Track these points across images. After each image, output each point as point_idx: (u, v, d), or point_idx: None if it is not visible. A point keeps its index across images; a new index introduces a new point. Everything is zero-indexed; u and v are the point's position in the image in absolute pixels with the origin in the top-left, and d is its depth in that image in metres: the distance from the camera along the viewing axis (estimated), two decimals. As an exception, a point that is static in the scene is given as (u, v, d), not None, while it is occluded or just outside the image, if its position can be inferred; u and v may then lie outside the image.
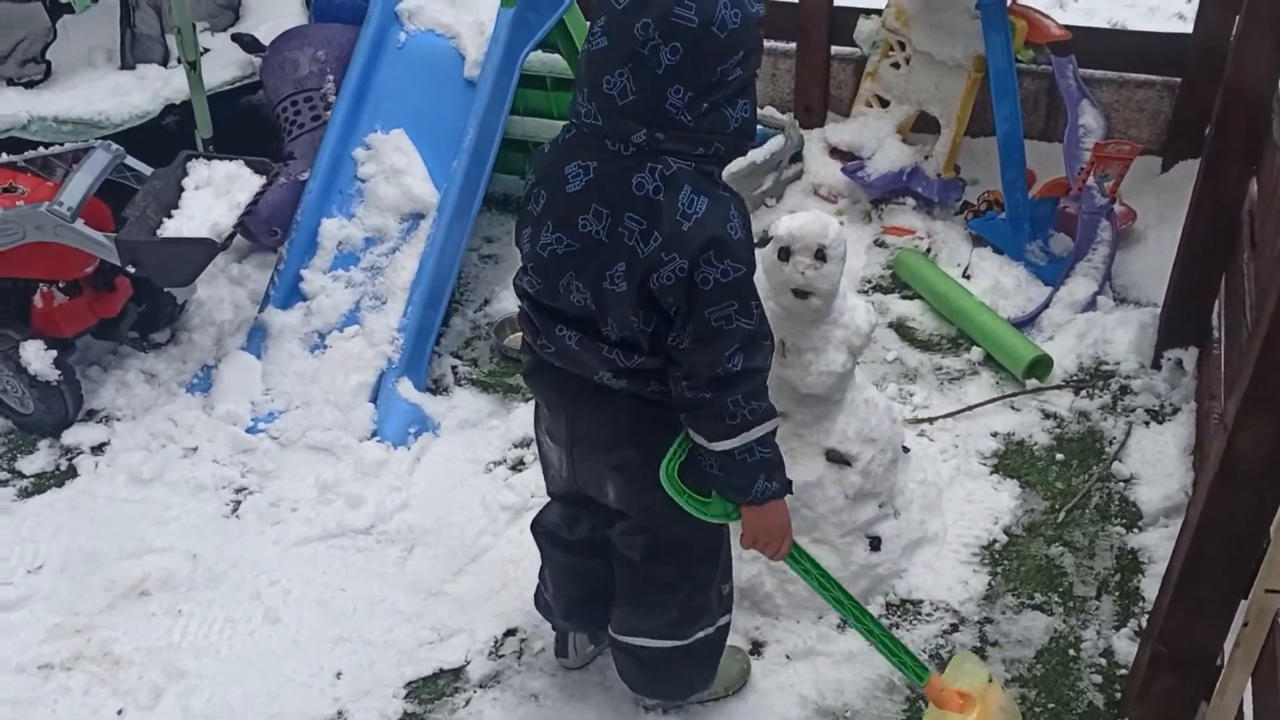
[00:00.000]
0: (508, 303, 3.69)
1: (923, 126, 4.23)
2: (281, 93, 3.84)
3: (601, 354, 1.90)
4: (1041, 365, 3.26)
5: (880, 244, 4.01)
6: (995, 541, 2.80)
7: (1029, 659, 2.49)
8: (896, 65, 4.21)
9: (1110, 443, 3.06)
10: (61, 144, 3.30)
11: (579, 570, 2.32)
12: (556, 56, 3.80)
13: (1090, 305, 3.49)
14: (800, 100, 4.51)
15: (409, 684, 2.48)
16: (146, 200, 3.10)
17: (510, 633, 2.59)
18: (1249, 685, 2.03)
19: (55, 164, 3.23)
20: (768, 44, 4.37)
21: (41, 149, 3.26)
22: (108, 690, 2.47)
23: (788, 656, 2.49)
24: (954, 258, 3.87)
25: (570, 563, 2.32)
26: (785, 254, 2.46)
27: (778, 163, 4.17)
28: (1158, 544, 2.72)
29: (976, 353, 3.42)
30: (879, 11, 4.23)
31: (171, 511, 2.93)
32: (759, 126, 4.08)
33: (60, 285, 3.14)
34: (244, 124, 4.07)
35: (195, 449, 3.11)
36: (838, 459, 2.61)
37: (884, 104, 4.30)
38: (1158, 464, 2.96)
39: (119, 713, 2.43)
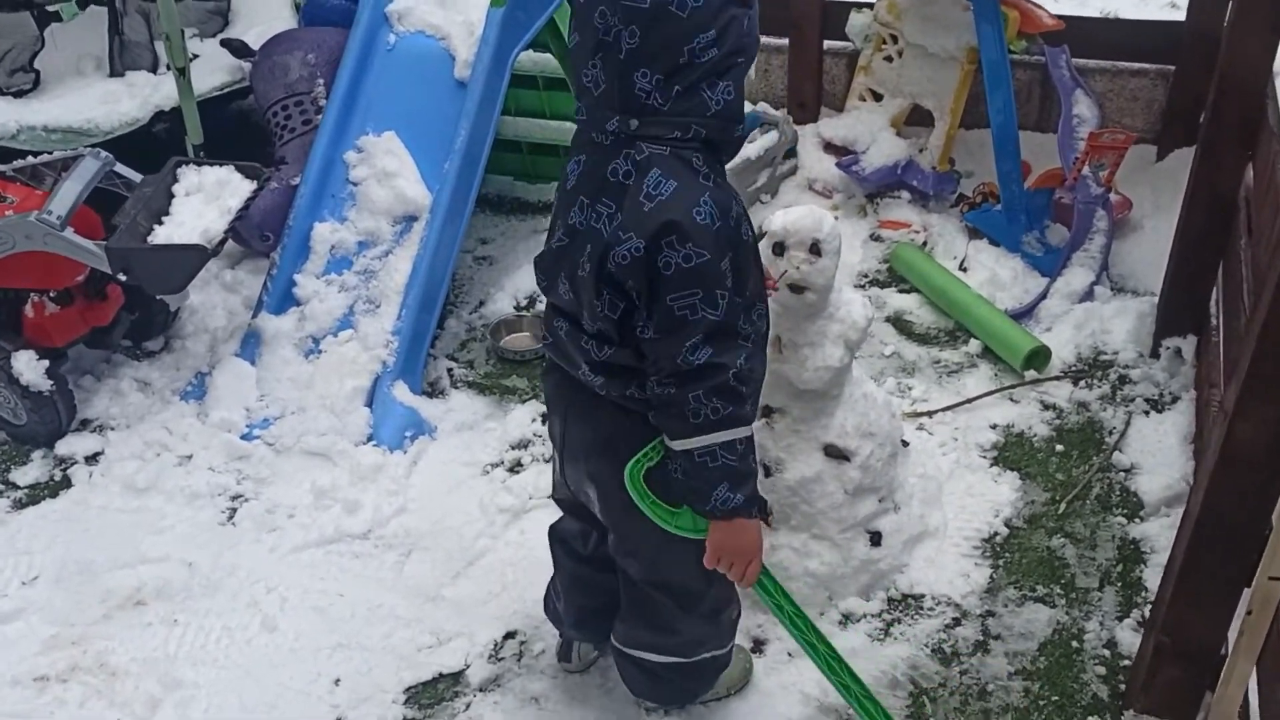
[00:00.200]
0: (503, 304, 3.67)
1: (917, 119, 4.21)
2: (272, 97, 3.82)
3: (580, 345, 1.90)
4: (1040, 356, 3.25)
5: (876, 238, 3.99)
6: (996, 534, 2.78)
7: (1032, 652, 2.48)
8: (889, 58, 4.20)
9: (1110, 433, 3.05)
10: (50, 152, 3.28)
11: (590, 582, 2.30)
12: (548, 56, 3.77)
13: (1088, 295, 3.47)
14: (794, 96, 4.49)
15: (408, 689, 2.47)
16: (136, 207, 3.08)
17: (510, 635, 2.57)
18: (1254, 674, 2.01)
19: (44, 172, 3.21)
20: (765, 40, 4.36)
21: (30, 158, 3.24)
22: (105, 702, 2.45)
23: (789, 654, 2.47)
24: (950, 250, 3.85)
25: (582, 574, 2.31)
26: (779, 249, 2.45)
27: (772, 159, 4.15)
28: (1159, 534, 2.70)
29: (975, 345, 3.40)
30: (870, 5, 4.21)
31: (167, 520, 2.91)
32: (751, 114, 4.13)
33: (51, 294, 3.12)
34: (234, 129, 4.05)
35: (190, 457, 3.09)
36: (836, 454, 2.59)
37: (877, 98, 4.28)
38: (1158, 453, 2.94)
39: (116, 724, 2.41)
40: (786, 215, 2.46)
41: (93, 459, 3.12)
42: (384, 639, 2.57)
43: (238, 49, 3.97)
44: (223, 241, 3.03)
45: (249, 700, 2.44)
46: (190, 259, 2.97)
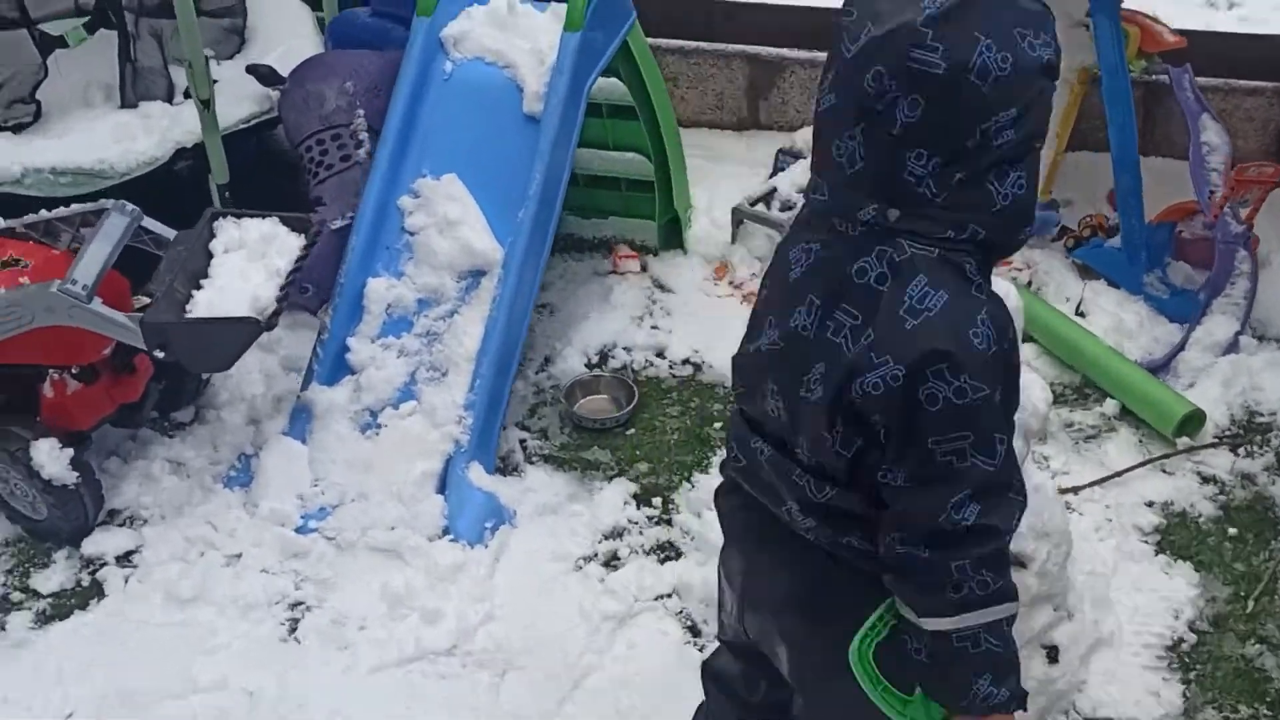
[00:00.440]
0: (572, 361, 3.28)
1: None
2: (306, 130, 3.41)
3: (791, 478, 1.53)
4: (1193, 421, 2.90)
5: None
6: (1181, 641, 2.43)
7: (1252, 792, 2.13)
8: (980, 77, 3.83)
9: (1285, 511, 2.71)
10: (67, 203, 2.86)
11: None
12: (614, 81, 3.39)
13: (1232, 346, 3.13)
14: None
15: None
16: (172, 270, 2.68)
17: (637, 781, 2.20)
18: None
19: (60, 228, 2.80)
20: (819, 54, 4.00)
21: (44, 211, 2.83)
22: None
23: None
24: (1062, 291, 3.50)
25: None
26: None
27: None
28: (1371, 638, 2.37)
29: (1111, 405, 3.05)
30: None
31: (219, 637, 2.52)
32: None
33: (73, 371, 2.71)
34: (260, 166, 3.64)
35: (239, 556, 2.70)
36: (1013, 562, 2.23)
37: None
38: (1346, 536, 2.60)
39: None
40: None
41: (126, 559, 2.72)
42: (489, 787, 2.20)
43: (265, 76, 3.55)
44: (277, 312, 2.63)
45: None
46: (240, 334, 2.57)
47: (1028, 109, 1.37)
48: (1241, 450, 2.88)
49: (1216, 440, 2.90)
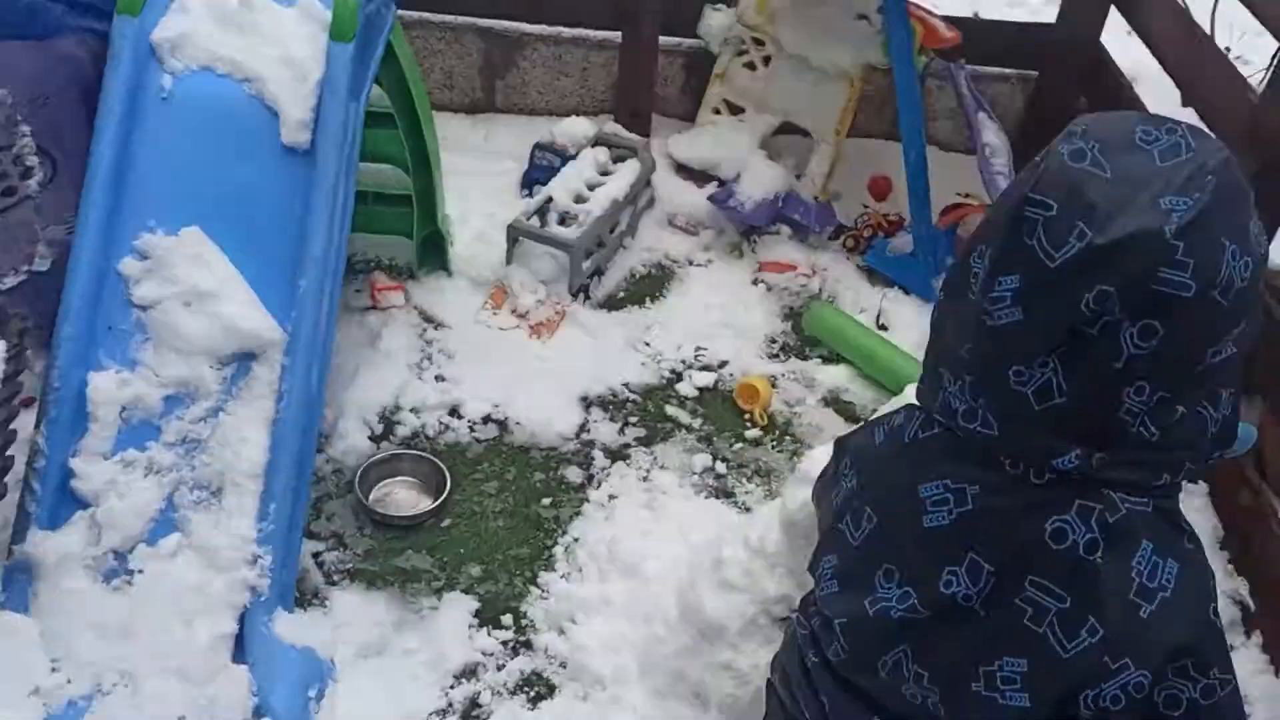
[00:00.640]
0: (354, 436, 2.71)
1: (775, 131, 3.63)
2: (-57, 155, 2.51)
3: None
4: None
5: (760, 284, 3.39)
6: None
7: None
8: (752, 66, 3.55)
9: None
10: None
11: None
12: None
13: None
14: (624, 103, 3.74)
15: None
16: None
17: None
18: None
19: None
20: (580, 33, 3.57)
21: None
22: None
23: None
24: (858, 300, 3.35)
25: None
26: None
27: (634, 195, 3.39)
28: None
29: (944, 435, 2.93)
30: (730, 1, 3.52)
31: None
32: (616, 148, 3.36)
33: None
34: None
35: (-39, 795, 1.95)
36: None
37: (734, 110, 3.64)
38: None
39: None
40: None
41: None
42: None
43: None
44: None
45: None
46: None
47: (1252, 316, 1.08)
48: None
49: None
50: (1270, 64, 3.01)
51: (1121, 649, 1.09)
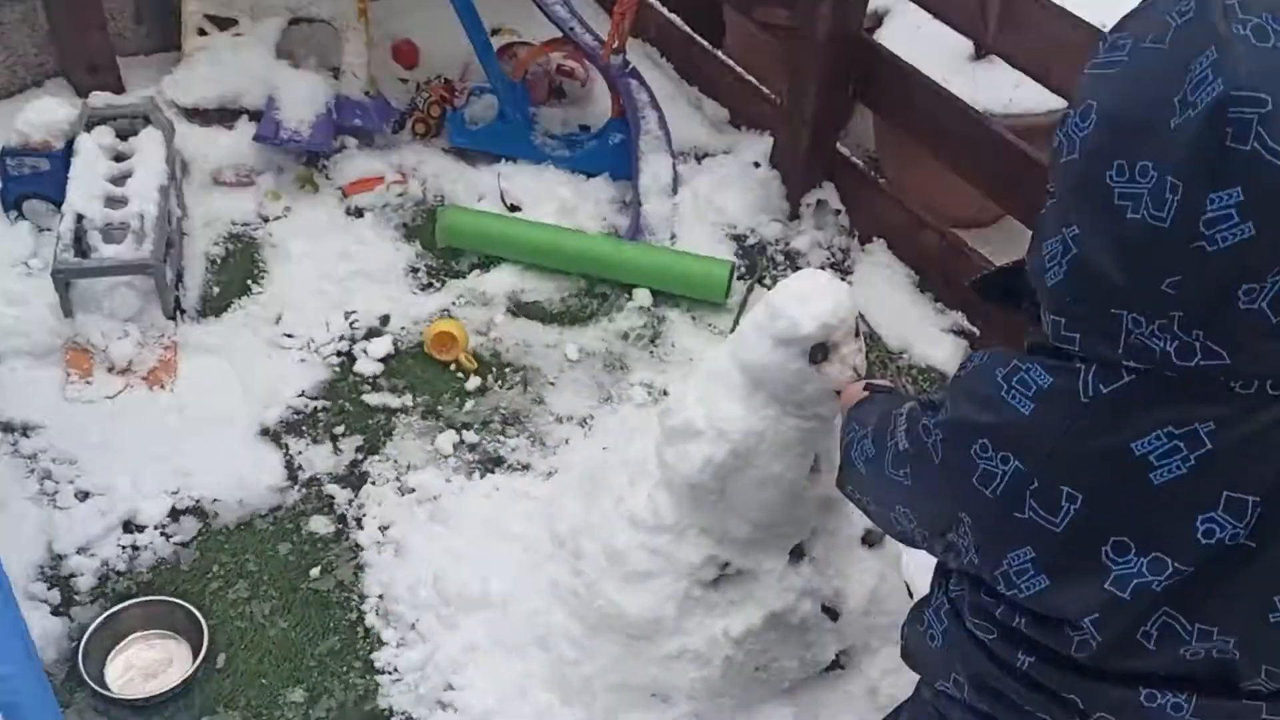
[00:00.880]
0: (37, 621, 2.00)
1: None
2: None
3: (1242, 704, 1.11)
4: (731, 274, 2.77)
5: (356, 211, 2.93)
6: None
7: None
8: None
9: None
10: None
11: None
12: None
13: (677, 179, 3.00)
14: (73, 59, 2.94)
15: None
16: None
17: None
18: None
19: None
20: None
21: None
22: None
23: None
24: (472, 188, 3.01)
25: None
26: (823, 353, 1.66)
27: (174, 170, 2.71)
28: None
29: (643, 297, 2.76)
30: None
31: None
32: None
33: None
34: None
35: None
36: (874, 540, 1.99)
37: (224, 25, 3.00)
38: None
39: None
40: (812, 304, 1.64)
41: None
42: None
43: None
44: None
45: None
46: None
47: None
48: (766, 279, 2.85)
49: (743, 278, 2.83)
50: None
51: None
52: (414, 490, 2.30)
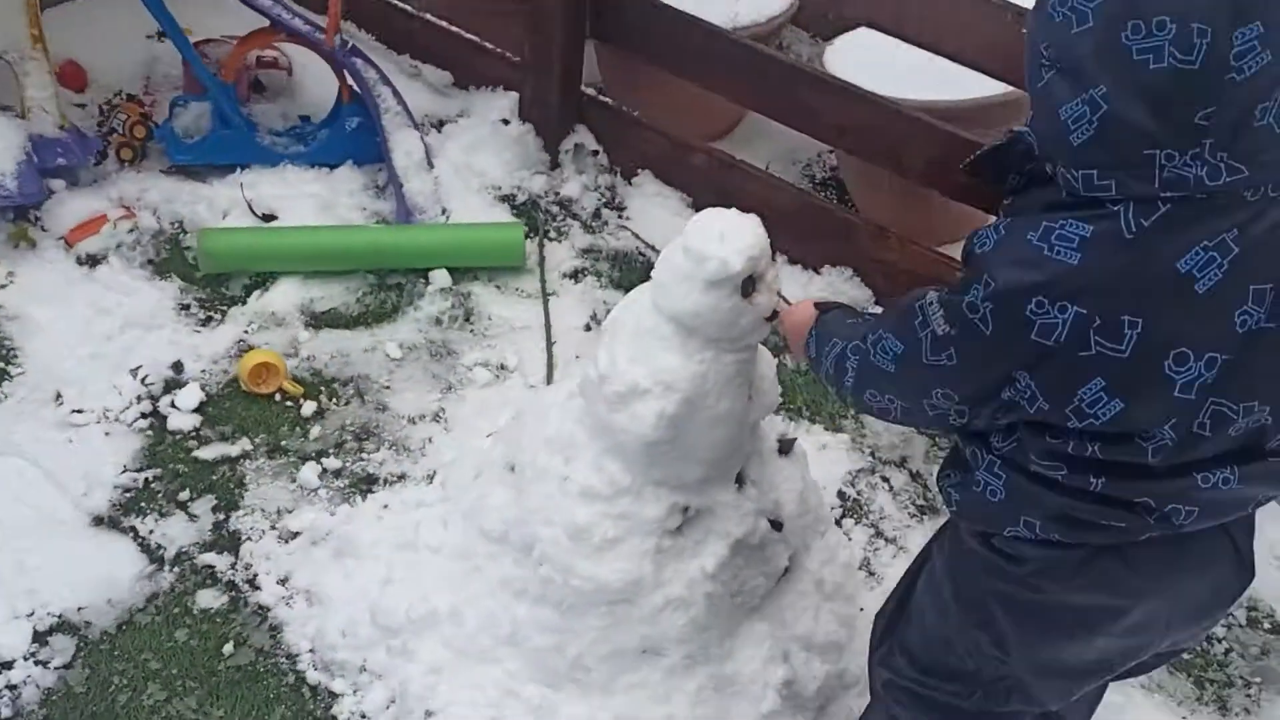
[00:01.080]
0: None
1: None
2: None
3: (1269, 462, 1.33)
4: (521, 234, 2.75)
5: (87, 261, 2.62)
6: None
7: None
8: None
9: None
10: None
11: None
12: None
13: (430, 152, 2.90)
14: None
15: None
16: None
17: None
18: None
19: None
20: None
21: None
22: None
23: None
24: (214, 205, 2.77)
25: None
26: (752, 284, 1.74)
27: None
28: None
29: (441, 278, 2.69)
30: None
31: None
32: None
33: None
34: None
35: None
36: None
37: None
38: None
39: None
40: (732, 240, 1.71)
41: None
42: None
43: None
44: None
45: None
46: None
47: None
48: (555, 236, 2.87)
49: (554, 237, 2.82)
50: None
51: None
52: (299, 534, 2.15)
